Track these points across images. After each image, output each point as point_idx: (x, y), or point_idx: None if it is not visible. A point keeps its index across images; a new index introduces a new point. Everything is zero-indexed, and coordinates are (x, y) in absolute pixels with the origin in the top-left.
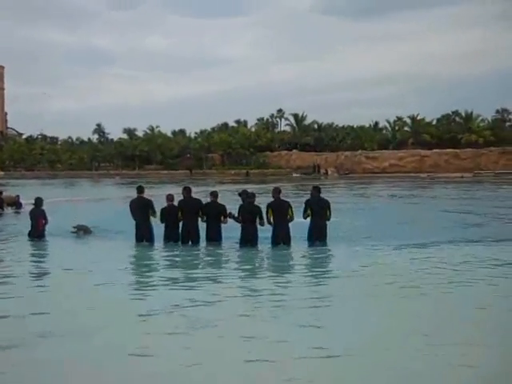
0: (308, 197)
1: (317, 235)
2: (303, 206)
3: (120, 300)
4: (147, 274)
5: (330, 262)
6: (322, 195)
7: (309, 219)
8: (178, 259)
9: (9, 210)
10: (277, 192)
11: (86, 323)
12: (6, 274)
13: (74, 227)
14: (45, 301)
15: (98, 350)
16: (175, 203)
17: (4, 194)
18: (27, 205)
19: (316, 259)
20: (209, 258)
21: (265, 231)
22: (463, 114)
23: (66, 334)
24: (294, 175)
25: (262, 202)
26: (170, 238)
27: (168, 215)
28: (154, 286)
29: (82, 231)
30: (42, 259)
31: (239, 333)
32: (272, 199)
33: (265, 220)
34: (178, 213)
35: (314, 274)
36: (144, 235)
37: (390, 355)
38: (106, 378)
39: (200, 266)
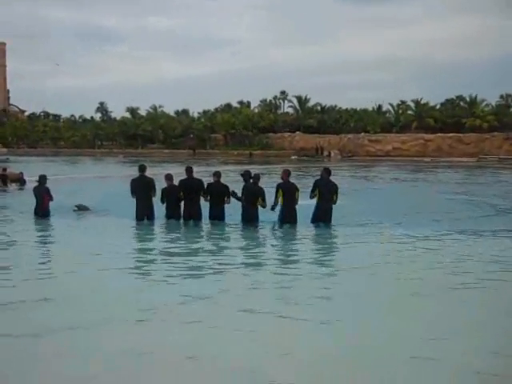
0: (317, 177)
1: (322, 217)
2: (311, 185)
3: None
4: (149, 252)
5: (333, 241)
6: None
7: (314, 200)
8: (179, 236)
9: (13, 187)
10: (286, 174)
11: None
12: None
13: (76, 206)
14: (47, 283)
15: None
16: (175, 183)
17: (8, 170)
18: (31, 182)
19: (320, 240)
20: (211, 235)
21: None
22: (467, 99)
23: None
24: (293, 157)
25: (265, 182)
26: (172, 217)
27: (168, 195)
28: (155, 262)
29: (83, 210)
30: (47, 238)
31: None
32: (281, 181)
33: (266, 202)
34: (180, 192)
35: (320, 256)
36: (145, 214)
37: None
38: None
39: (202, 242)
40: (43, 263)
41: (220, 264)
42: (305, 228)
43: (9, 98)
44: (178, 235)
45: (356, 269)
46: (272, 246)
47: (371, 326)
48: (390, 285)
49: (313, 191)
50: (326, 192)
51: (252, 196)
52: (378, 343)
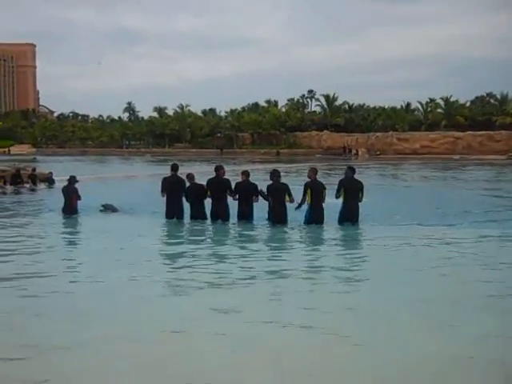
0: (341, 177)
1: (349, 217)
2: (336, 185)
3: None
4: (174, 256)
5: (362, 242)
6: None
7: (340, 199)
8: (209, 235)
9: (42, 186)
10: (314, 172)
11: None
12: (37, 249)
13: (103, 205)
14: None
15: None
16: (197, 181)
17: (37, 170)
18: (59, 181)
19: (347, 240)
20: (237, 237)
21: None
22: (498, 96)
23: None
24: (318, 156)
25: (292, 181)
26: (197, 216)
27: (191, 194)
28: (185, 261)
29: (110, 210)
30: (74, 235)
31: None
32: (309, 179)
33: (294, 197)
34: (207, 191)
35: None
36: (175, 212)
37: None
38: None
39: (229, 242)
40: (64, 267)
41: (244, 270)
42: (333, 228)
43: (38, 99)
44: (206, 237)
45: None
46: (301, 249)
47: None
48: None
49: (338, 191)
50: (351, 191)
51: (277, 193)
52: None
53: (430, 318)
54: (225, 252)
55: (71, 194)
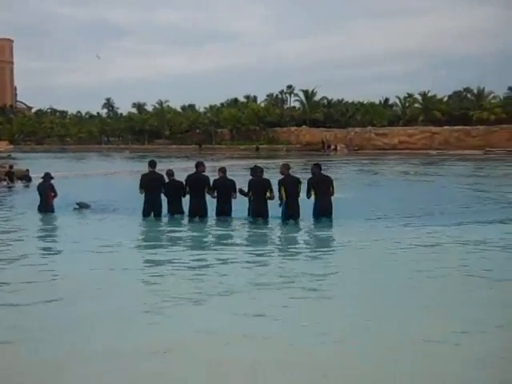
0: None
1: (323, 213)
2: (306, 185)
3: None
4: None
5: (336, 236)
6: (325, 172)
7: (313, 197)
8: (189, 232)
9: (19, 184)
10: (286, 168)
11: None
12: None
13: (77, 203)
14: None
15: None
16: (176, 178)
17: (14, 167)
18: (36, 178)
19: (324, 234)
20: (219, 233)
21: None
22: (475, 91)
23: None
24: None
25: (271, 176)
26: (174, 212)
27: (170, 190)
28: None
29: (83, 208)
30: (50, 234)
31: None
32: (281, 176)
33: (275, 193)
34: (186, 188)
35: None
36: (153, 210)
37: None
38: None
39: (208, 241)
40: (39, 264)
41: (223, 262)
42: (309, 223)
43: (16, 94)
44: (185, 233)
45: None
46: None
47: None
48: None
49: (308, 191)
50: (321, 187)
51: (259, 189)
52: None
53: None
54: (204, 246)
55: (46, 191)
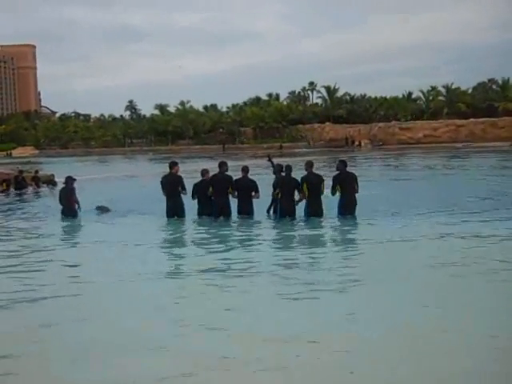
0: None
1: (348, 210)
2: (331, 182)
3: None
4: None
5: (362, 233)
6: (350, 168)
7: (337, 194)
8: (214, 233)
9: (45, 188)
10: (309, 165)
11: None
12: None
13: (97, 207)
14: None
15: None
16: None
17: (40, 172)
18: (61, 183)
19: (350, 231)
20: (243, 234)
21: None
22: (500, 82)
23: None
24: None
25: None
26: (203, 213)
27: (200, 190)
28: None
29: (104, 211)
30: (75, 238)
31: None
32: (305, 173)
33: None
34: (209, 188)
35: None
36: (175, 211)
37: None
38: None
39: (233, 242)
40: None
41: (247, 264)
42: (333, 221)
43: (40, 100)
44: (209, 235)
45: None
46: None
47: None
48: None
49: (334, 187)
50: (347, 184)
51: (287, 188)
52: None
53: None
54: (229, 248)
55: (69, 195)
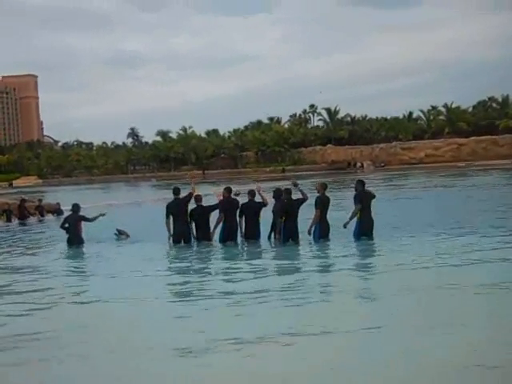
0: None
1: (366, 231)
2: (353, 201)
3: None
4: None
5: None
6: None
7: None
8: (218, 261)
9: (49, 217)
10: (322, 187)
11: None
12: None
13: (117, 230)
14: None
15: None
16: (203, 204)
17: (44, 201)
18: (67, 211)
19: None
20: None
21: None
22: (499, 100)
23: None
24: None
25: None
26: (201, 238)
27: (198, 216)
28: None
29: (123, 235)
30: (78, 268)
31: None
32: (318, 194)
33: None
34: (221, 213)
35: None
36: (182, 237)
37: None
38: None
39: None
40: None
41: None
42: (351, 243)
43: (42, 129)
44: (218, 260)
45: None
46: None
47: None
48: None
49: (358, 204)
50: (367, 205)
51: (292, 211)
52: None
53: None
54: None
55: (75, 222)
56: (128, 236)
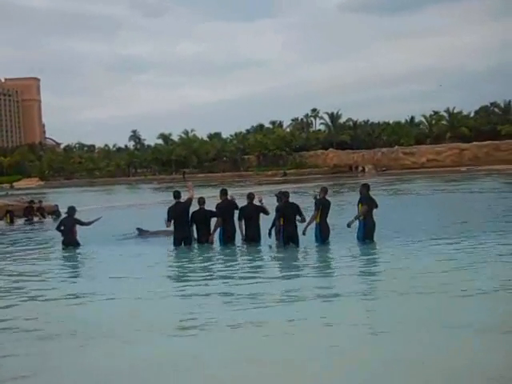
0: (349, 194)
1: (369, 234)
2: (358, 204)
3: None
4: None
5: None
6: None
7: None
8: (220, 263)
9: (49, 219)
10: (324, 192)
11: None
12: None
13: (137, 229)
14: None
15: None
16: (205, 207)
17: (44, 203)
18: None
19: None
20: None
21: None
22: (502, 105)
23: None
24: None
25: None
26: (200, 241)
27: (198, 218)
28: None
29: (144, 233)
30: (72, 272)
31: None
32: (320, 198)
33: (304, 216)
34: (219, 218)
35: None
36: (183, 239)
37: None
38: None
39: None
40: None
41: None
42: (355, 246)
43: (44, 131)
44: (220, 262)
45: None
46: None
47: None
48: None
49: (364, 205)
50: (372, 208)
51: (290, 213)
52: None
53: None
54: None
55: (71, 225)
56: (153, 233)
